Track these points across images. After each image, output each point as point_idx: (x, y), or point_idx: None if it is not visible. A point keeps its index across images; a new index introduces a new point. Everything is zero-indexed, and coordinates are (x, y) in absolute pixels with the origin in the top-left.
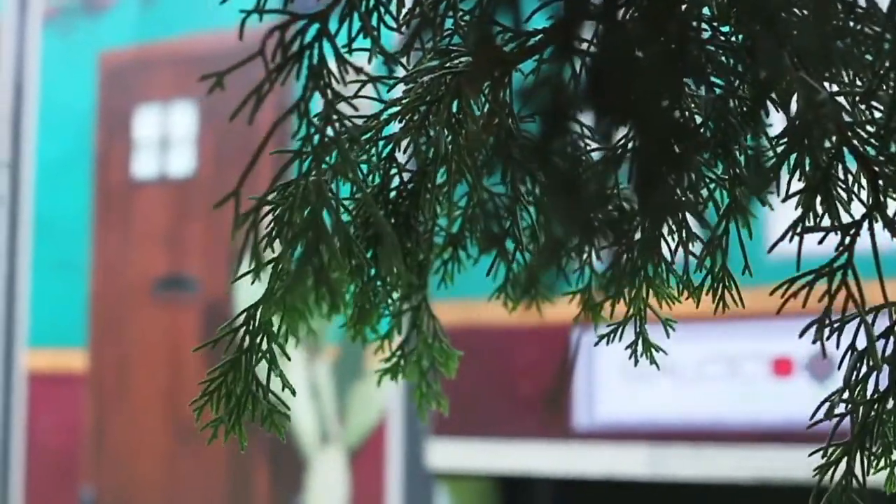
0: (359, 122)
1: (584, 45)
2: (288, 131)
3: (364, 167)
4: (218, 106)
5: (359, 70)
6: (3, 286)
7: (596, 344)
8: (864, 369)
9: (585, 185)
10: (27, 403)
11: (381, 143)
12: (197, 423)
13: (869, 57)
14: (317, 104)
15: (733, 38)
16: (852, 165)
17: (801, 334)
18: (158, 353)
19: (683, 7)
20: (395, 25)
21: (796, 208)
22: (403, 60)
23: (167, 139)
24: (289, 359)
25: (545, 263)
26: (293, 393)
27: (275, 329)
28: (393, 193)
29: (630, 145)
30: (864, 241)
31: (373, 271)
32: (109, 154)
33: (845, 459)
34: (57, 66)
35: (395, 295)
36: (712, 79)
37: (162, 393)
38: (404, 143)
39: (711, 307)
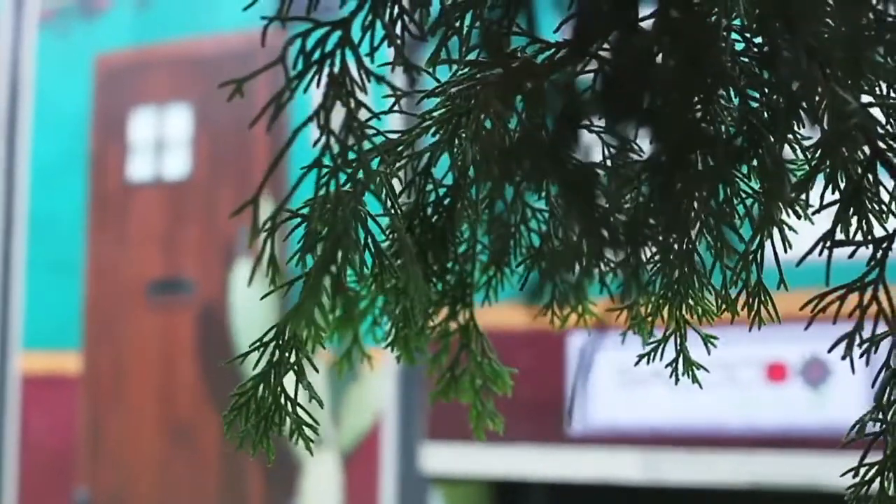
0: (386, 134)
1: (605, 54)
2: (283, 136)
3: (397, 182)
4: (213, 109)
5: (381, 79)
6: None
7: (636, 364)
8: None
9: (598, 191)
10: (22, 406)
11: (413, 157)
12: (226, 435)
13: None
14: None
15: (765, 49)
16: (886, 178)
17: (830, 350)
18: (153, 356)
19: (710, 18)
20: (419, 35)
21: (831, 220)
22: (430, 71)
23: (162, 142)
24: (317, 371)
25: (562, 270)
26: (321, 405)
27: (306, 344)
28: (429, 210)
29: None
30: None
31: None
32: (105, 156)
33: (878, 479)
34: (53, 68)
35: (441, 314)
36: (746, 90)
37: (156, 395)
38: (437, 158)
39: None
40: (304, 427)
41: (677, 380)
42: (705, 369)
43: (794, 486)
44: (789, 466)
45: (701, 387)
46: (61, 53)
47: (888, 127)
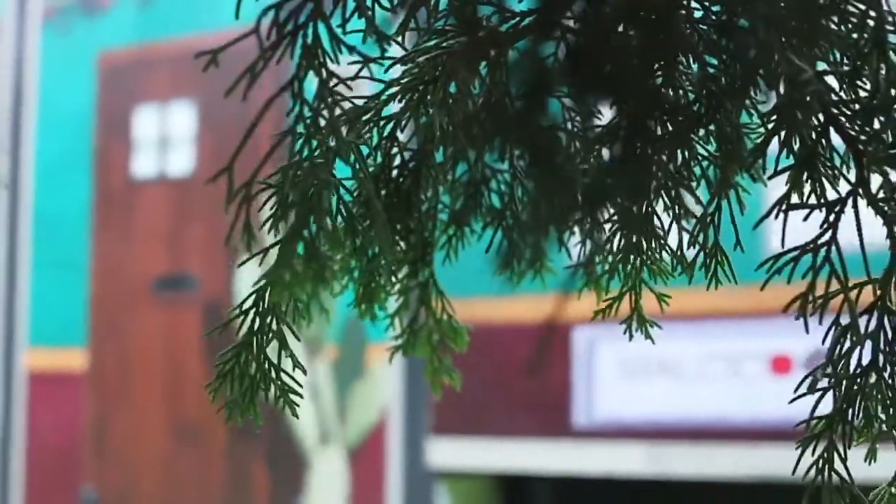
0: (356, 102)
1: (571, 24)
2: (284, 111)
3: (364, 147)
4: (216, 105)
5: (352, 49)
6: (3, 286)
7: (592, 319)
8: (847, 344)
9: (564, 158)
10: (28, 403)
11: (381, 123)
12: (213, 403)
13: (854, 36)
14: (311, 83)
15: (724, 18)
16: (838, 144)
17: (785, 309)
18: (159, 353)
19: None
20: (389, 5)
21: (786, 185)
22: (399, 41)
23: (166, 139)
24: (298, 339)
25: (531, 233)
26: (304, 372)
27: (283, 309)
28: (394, 172)
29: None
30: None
31: (376, 249)
32: (109, 154)
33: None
34: (56, 65)
35: (402, 272)
36: (704, 57)
37: (162, 392)
38: (404, 123)
39: (709, 307)
40: (288, 393)
41: (631, 336)
42: (658, 326)
43: (799, 478)
44: (793, 459)
45: (654, 342)
46: (64, 51)
47: (841, 94)
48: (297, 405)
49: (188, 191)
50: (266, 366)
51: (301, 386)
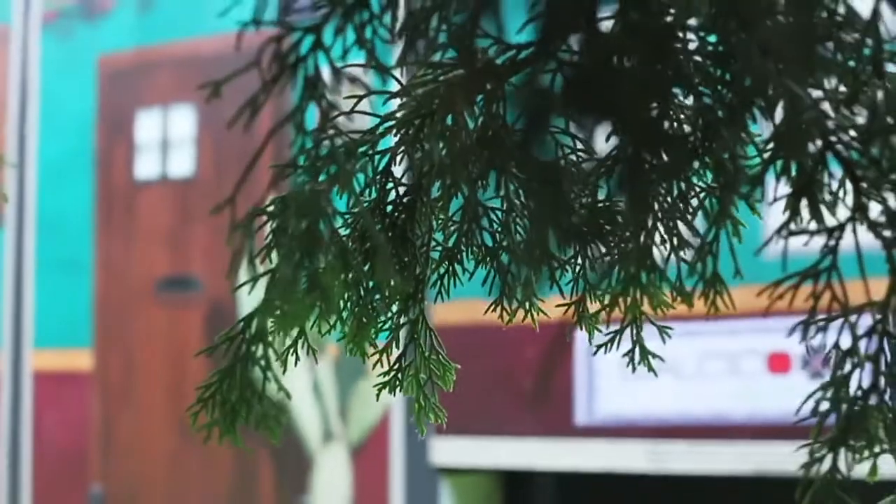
0: (354, 134)
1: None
2: (286, 139)
3: (361, 180)
4: (216, 108)
5: (353, 80)
6: (10, 288)
7: (594, 353)
8: (847, 367)
9: (565, 188)
10: (35, 404)
11: (377, 156)
12: (192, 427)
13: (851, 63)
14: (313, 115)
15: (720, 48)
16: (836, 170)
17: (789, 334)
18: (163, 353)
19: (668, 18)
20: (388, 38)
21: (784, 211)
22: (398, 73)
23: (167, 141)
24: (284, 366)
25: (529, 265)
26: (288, 396)
27: (271, 337)
28: (389, 207)
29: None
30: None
31: (370, 283)
32: (110, 156)
33: (831, 455)
34: (57, 69)
35: (394, 308)
36: (700, 88)
37: (167, 392)
38: (399, 157)
39: (704, 309)
40: (269, 419)
41: (634, 368)
42: (661, 358)
43: (797, 474)
44: (794, 455)
45: (656, 375)
46: (65, 55)
47: (838, 120)
48: (277, 431)
49: (190, 192)
50: (248, 392)
51: (283, 412)
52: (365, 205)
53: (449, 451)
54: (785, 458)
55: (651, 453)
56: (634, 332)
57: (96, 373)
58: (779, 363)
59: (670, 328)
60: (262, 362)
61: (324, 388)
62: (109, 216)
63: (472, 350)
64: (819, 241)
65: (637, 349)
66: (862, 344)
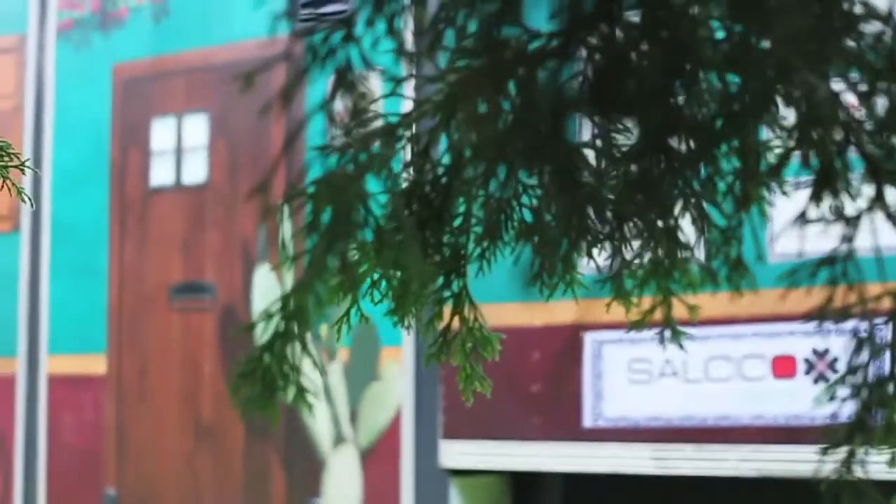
0: (389, 119)
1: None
2: (303, 138)
3: (398, 164)
4: (229, 116)
5: (382, 71)
6: (26, 294)
7: (628, 331)
8: (865, 355)
9: (587, 171)
10: (51, 409)
11: (413, 140)
12: (233, 400)
13: (871, 56)
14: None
15: (744, 37)
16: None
17: (806, 319)
18: (177, 358)
19: (691, 9)
20: (418, 27)
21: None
22: (428, 61)
23: (181, 148)
24: (338, 336)
25: (568, 239)
26: (323, 373)
27: (309, 315)
28: (427, 188)
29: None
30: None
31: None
32: (126, 164)
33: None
34: (73, 78)
35: (436, 283)
36: (726, 75)
37: (181, 396)
38: (435, 140)
39: (713, 311)
40: (305, 393)
41: (664, 344)
42: (691, 336)
43: (800, 477)
44: (795, 457)
45: (684, 350)
46: (80, 63)
47: (859, 111)
48: (312, 405)
49: (203, 199)
50: (286, 368)
51: (317, 388)
52: (403, 186)
53: (458, 454)
54: (789, 461)
55: (657, 456)
56: (665, 311)
57: (111, 377)
58: (784, 367)
59: (698, 306)
60: (300, 338)
61: (334, 392)
62: (124, 223)
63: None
64: (832, 239)
65: (669, 329)
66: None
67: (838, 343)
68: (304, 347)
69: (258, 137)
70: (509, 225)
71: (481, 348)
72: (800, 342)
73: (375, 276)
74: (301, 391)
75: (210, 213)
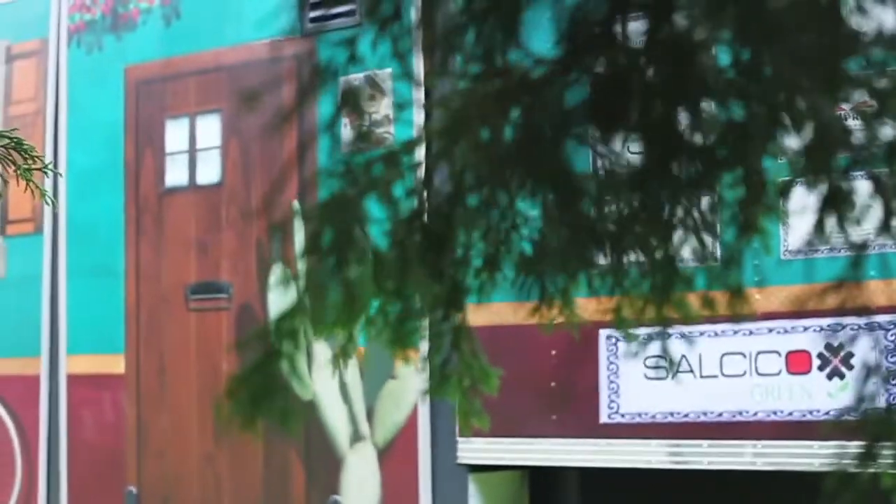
0: (392, 144)
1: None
2: (314, 151)
3: (400, 191)
4: (241, 117)
5: (387, 93)
6: (46, 295)
7: (625, 360)
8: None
9: (587, 198)
10: (71, 409)
11: (415, 167)
12: (217, 417)
13: (878, 79)
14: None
15: (748, 63)
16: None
17: (819, 330)
18: (195, 356)
19: (695, 33)
20: (423, 50)
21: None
22: (431, 84)
23: (194, 149)
24: (309, 364)
25: (566, 272)
26: (308, 393)
27: (301, 337)
28: (424, 217)
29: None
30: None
31: (408, 292)
32: (139, 164)
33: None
34: (86, 80)
35: (436, 315)
36: (728, 102)
37: (199, 395)
38: (435, 167)
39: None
40: (291, 414)
41: (668, 374)
42: (687, 361)
43: (815, 471)
44: (808, 453)
45: (676, 380)
46: (93, 66)
47: (865, 133)
48: (297, 427)
49: (217, 198)
50: (272, 387)
51: (301, 409)
52: (403, 214)
53: (476, 450)
54: (804, 455)
55: (673, 451)
56: (662, 339)
57: (130, 377)
58: (798, 363)
59: (695, 335)
60: (289, 359)
61: (352, 391)
62: (139, 223)
63: (498, 352)
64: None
65: (665, 355)
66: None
67: (852, 339)
68: (294, 367)
69: (271, 137)
70: (508, 257)
71: (480, 383)
72: (814, 338)
73: (376, 305)
74: (287, 412)
75: (224, 212)
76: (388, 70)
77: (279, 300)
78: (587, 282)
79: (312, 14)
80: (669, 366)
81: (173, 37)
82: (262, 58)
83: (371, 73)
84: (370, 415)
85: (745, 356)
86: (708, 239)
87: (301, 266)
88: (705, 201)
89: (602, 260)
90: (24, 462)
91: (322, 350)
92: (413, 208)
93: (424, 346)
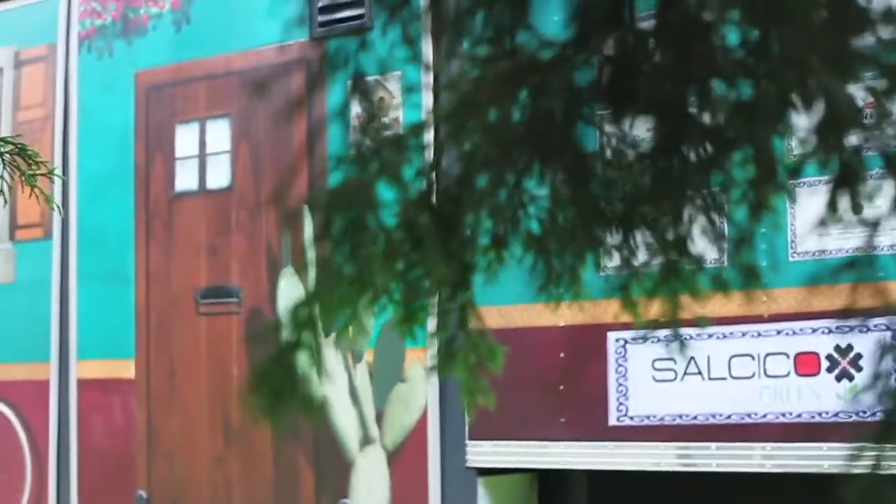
0: (401, 128)
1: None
2: (323, 144)
3: (410, 172)
4: (250, 120)
5: (394, 79)
6: (57, 299)
7: (634, 340)
8: (889, 361)
9: (597, 178)
10: (81, 413)
11: (424, 149)
12: (243, 411)
13: (889, 57)
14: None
15: (759, 41)
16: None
17: (830, 317)
18: (205, 360)
19: (704, 15)
20: (433, 34)
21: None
22: (440, 68)
23: (204, 153)
24: (345, 345)
25: (573, 250)
26: (328, 380)
27: (319, 325)
28: (433, 198)
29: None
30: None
31: (417, 272)
32: (150, 169)
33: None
34: (96, 85)
35: (443, 294)
36: (739, 81)
37: (209, 398)
38: (444, 150)
39: (736, 309)
40: (312, 403)
41: (676, 360)
42: (695, 349)
43: (824, 474)
44: (819, 456)
45: (688, 362)
46: (103, 71)
47: (876, 112)
48: (320, 416)
49: (227, 202)
50: (294, 377)
51: (325, 399)
52: (412, 196)
53: (485, 453)
54: (813, 458)
55: (682, 453)
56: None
57: (140, 381)
58: (807, 364)
59: (708, 318)
60: (310, 349)
61: (361, 394)
62: (150, 228)
63: (506, 354)
64: (854, 237)
65: (676, 342)
66: None
67: (861, 340)
68: (315, 357)
69: (280, 140)
70: (517, 236)
71: (486, 361)
72: (823, 339)
73: (385, 285)
74: (308, 401)
75: (235, 216)
76: (398, 73)
77: (287, 298)
78: (595, 259)
79: (322, 18)
80: (680, 348)
81: (183, 42)
82: (271, 62)
83: (380, 77)
84: (380, 418)
85: (753, 358)
86: (718, 218)
87: (312, 254)
88: (716, 181)
89: (610, 239)
90: (35, 467)
91: (331, 354)
92: (422, 189)
93: (432, 324)
